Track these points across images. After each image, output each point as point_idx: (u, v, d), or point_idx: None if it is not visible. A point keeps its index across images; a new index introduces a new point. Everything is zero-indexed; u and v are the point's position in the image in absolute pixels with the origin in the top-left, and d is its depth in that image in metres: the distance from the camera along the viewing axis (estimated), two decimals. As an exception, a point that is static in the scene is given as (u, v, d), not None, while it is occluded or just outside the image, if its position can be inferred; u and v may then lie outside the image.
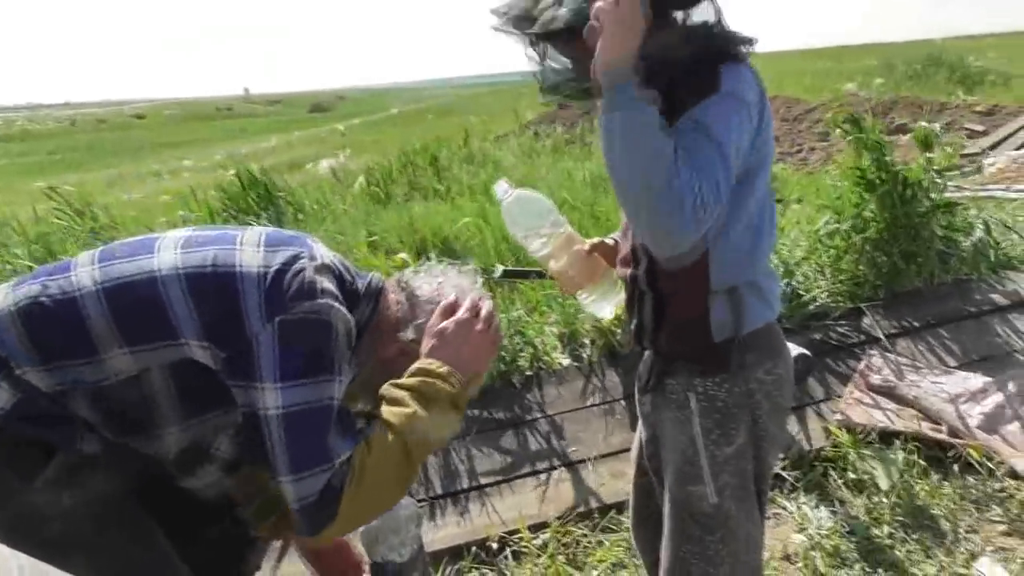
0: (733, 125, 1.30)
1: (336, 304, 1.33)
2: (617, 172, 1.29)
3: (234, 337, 1.29)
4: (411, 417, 1.35)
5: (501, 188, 1.64)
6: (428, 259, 1.84)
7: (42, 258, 5.10)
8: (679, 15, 1.41)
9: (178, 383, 1.34)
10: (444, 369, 1.41)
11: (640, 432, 1.81)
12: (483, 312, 1.50)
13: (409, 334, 1.49)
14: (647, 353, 1.68)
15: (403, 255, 4.24)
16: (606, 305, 1.77)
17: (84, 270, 1.35)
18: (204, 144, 32.70)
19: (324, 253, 1.45)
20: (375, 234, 5.97)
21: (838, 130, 4.30)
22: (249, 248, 1.37)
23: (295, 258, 1.35)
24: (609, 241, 1.80)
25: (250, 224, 1.57)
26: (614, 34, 1.28)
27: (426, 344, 1.46)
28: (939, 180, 4.06)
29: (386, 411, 1.37)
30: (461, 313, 1.47)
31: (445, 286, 1.55)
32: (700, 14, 1.40)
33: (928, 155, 4.00)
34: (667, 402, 1.60)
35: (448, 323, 1.46)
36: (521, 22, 1.43)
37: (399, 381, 1.40)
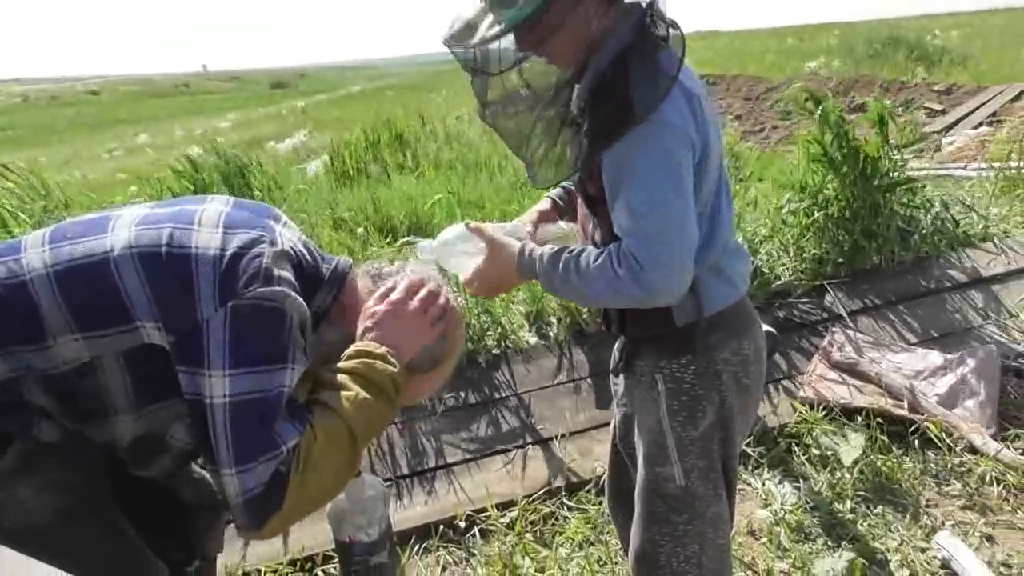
0: (666, 180, 1.30)
1: (291, 292, 1.29)
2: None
3: (185, 319, 1.25)
4: (355, 401, 1.32)
5: (424, 246, 1.65)
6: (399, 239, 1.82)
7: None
8: None
9: (132, 370, 1.30)
10: (381, 350, 1.38)
11: (615, 412, 1.81)
12: (420, 293, 1.47)
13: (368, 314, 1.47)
14: (618, 336, 1.68)
15: (361, 229, 4.18)
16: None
17: (34, 251, 1.29)
18: (160, 121, 32.04)
19: (286, 236, 1.40)
20: (339, 212, 5.88)
21: (801, 108, 4.34)
22: (207, 229, 1.32)
23: (253, 242, 1.30)
24: (546, 204, 1.79)
25: (213, 195, 1.51)
26: (502, 287, 1.58)
27: (361, 325, 1.43)
28: (897, 157, 4.11)
29: (328, 395, 1.34)
30: (395, 295, 1.45)
31: (408, 272, 1.52)
32: None
33: (882, 130, 4.02)
34: (637, 384, 1.61)
35: (381, 305, 1.44)
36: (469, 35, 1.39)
37: (339, 365, 1.37)
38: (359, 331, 1.43)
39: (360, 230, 4.19)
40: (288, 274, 1.32)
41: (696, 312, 1.49)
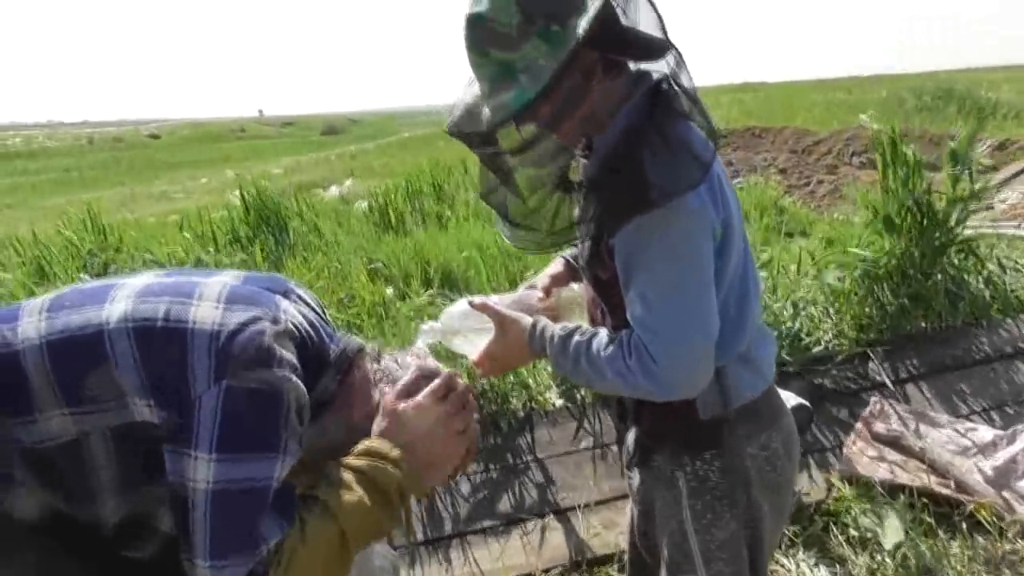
0: (685, 269, 1.22)
1: (291, 375, 1.21)
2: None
3: (175, 396, 1.17)
4: (355, 504, 1.23)
5: (425, 329, 1.57)
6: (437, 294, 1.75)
7: (33, 277, 5.07)
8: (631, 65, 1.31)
9: (119, 449, 1.22)
10: (396, 453, 1.28)
11: (631, 506, 1.69)
12: (455, 395, 1.36)
13: (377, 404, 1.37)
14: (632, 429, 1.57)
15: (389, 290, 4.16)
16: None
17: (31, 320, 1.24)
18: (216, 165, 32.94)
19: (292, 313, 1.32)
20: (375, 261, 5.89)
21: (864, 153, 4.15)
22: (207, 304, 1.25)
23: (254, 320, 1.23)
24: (559, 266, 1.70)
25: (223, 269, 1.44)
26: (512, 364, 1.55)
27: (378, 423, 1.33)
28: (959, 211, 3.86)
29: (327, 493, 1.24)
30: (425, 393, 1.34)
31: (424, 360, 1.43)
32: (657, 65, 1.28)
33: (953, 172, 3.79)
34: (655, 480, 1.49)
35: (408, 403, 1.33)
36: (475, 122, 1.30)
37: (346, 460, 1.28)
38: (375, 427, 1.34)
39: (388, 291, 4.16)
40: (290, 355, 1.24)
41: (722, 404, 1.38)
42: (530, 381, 3.38)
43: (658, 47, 1.22)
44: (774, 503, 1.46)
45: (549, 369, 3.47)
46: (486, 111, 1.24)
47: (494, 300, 1.51)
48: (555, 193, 1.39)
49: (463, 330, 1.53)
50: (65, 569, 1.28)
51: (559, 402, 3.33)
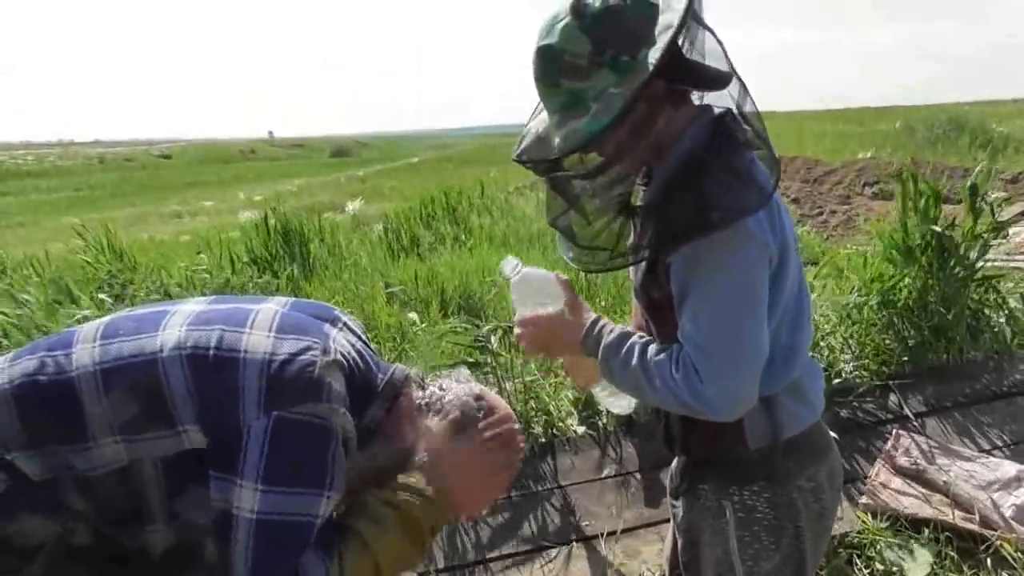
0: (740, 294, 1.24)
1: (340, 408, 1.23)
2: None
3: (226, 423, 1.20)
4: (390, 540, 1.26)
5: (509, 265, 1.52)
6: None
7: (54, 297, 5.09)
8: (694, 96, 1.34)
9: (169, 477, 1.24)
10: (433, 492, 1.32)
11: (672, 535, 1.69)
12: (505, 434, 1.39)
13: (431, 427, 1.40)
14: (678, 456, 1.57)
15: (413, 315, 4.17)
16: (623, 399, 1.62)
17: (85, 347, 1.26)
18: (226, 186, 33.11)
19: (341, 343, 1.34)
20: (392, 285, 5.90)
21: (876, 183, 4.16)
22: (259, 332, 1.27)
23: (306, 350, 1.25)
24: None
25: (272, 296, 1.46)
26: (554, 348, 1.46)
27: (423, 458, 1.36)
28: (979, 245, 3.87)
29: (367, 528, 1.26)
30: (478, 438, 1.38)
31: (468, 390, 1.45)
32: (721, 99, 1.31)
33: (973, 206, 3.79)
34: (701, 509, 1.49)
35: (455, 441, 1.37)
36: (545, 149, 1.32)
37: (385, 495, 1.30)
38: (419, 461, 1.36)
39: (412, 315, 4.17)
40: (339, 386, 1.26)
41: (772, 435, 1.38)
42: (551, 407, 3.38)
43: (723, 77, 1.25)
44: (817, 534, 1.47)
45: (571, 395, 3.47)
46: (556, 139, 1.26)
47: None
48: (619, 218, 1.40)
49: (533, 292, 1.49)
50: None
51: (580, 429, 3.32)
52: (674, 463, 1.60)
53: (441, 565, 2.68)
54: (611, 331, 1.38)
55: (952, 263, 3.79)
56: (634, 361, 1.31)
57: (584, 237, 1.43)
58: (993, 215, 3.80)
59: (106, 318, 1.35)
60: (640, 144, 1.28)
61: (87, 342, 1.27)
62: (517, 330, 1.48)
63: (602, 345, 1.36)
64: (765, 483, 1.41)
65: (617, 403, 1.65)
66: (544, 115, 1.32)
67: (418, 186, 15.90)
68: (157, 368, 1.22)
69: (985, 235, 3.81)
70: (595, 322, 1.40)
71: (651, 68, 1.17)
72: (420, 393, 1.45)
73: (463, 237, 8.17)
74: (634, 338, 1.35)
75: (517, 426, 1.45)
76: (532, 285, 1.50)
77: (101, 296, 5.10)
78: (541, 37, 1.24)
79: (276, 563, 1.17)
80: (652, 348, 1.31)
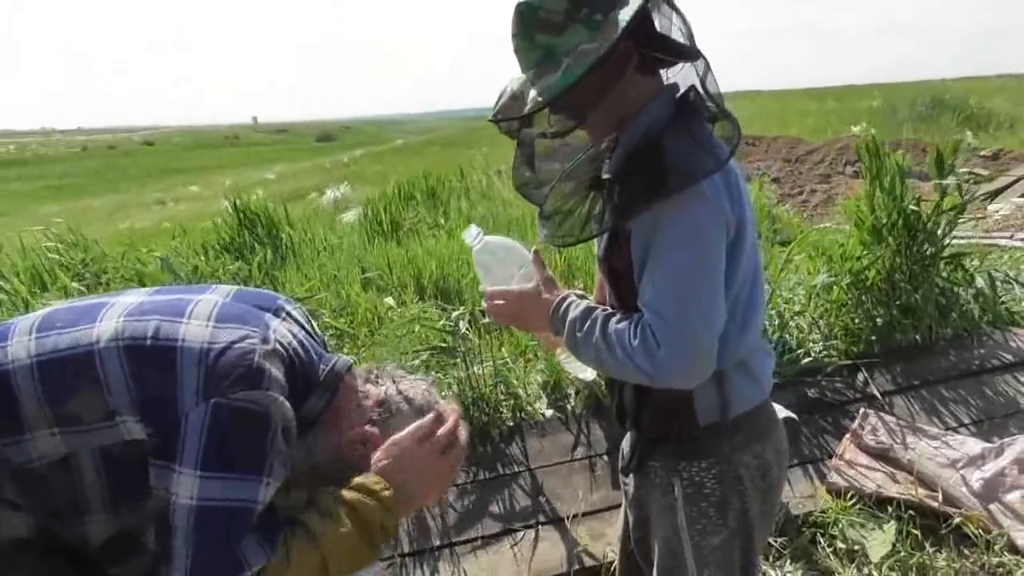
0: (697, 258, 1.26)
1: (278, 396, 1.22)
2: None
3: (163, 412, 1.19)
4: (340, 536, 1.25)
5: (471, 234, 1.53)
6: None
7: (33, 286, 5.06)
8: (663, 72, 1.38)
9: (108, 468, 1.23)
10: (387, 493, 1.31)
11: (624, 512, 1.71)
12: (456, 446, 1.41)
13: (368, 428, 1.39)
14: (629, 432, 1.59)
15: (389, 300, 4.16)
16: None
17: (21, 340, 1.25)
18: (210, 172, 32.93)
19: (282, 332, 1.34)
20: (369, 270, 5.90)
21: (856, 162, 4.15)
22: (196, 322, 1.27)
23: (243, 339, 1.24)
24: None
25: (216, 285, 1.45)
26: (522, 322, 1.53)
27: (379, 458, 1.35)
28: (949, 222, 3.88)
29: (316, 522, 1.25)
30: (431, 442, 1.38)
31: (416, 390, 1.46)
32: (686, 79, 1.36)
33: (939, 182, 3.80)
34: (651, 486, 1.52)
35: (414, 447, 1.36)
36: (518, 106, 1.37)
37: (338, 492, 1.30)
38: (374, 461, 1.35)
39: (388, 300, 4.17)
40: (279, 374, 1.25)
41: (721, 412, 1.41)
42: (520, 391, 3.38)
43: (687, 51, 1.31)
44: (763, 511, 1.49)
45: (539, 379, 3.48)
46: (532, 94, 1.29)
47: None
48: (590, 192, 1.44)
49: (501, 263, 1.52)
50: None
51: (549, 412, 3.33)
52: (625, 440, 1.62)
53: (407, 549, 2.68)
54: (576, 306, 1.40)
55: (920, 240, 3.79)
56: (596, 333, 1.33)
57: (553, 208, 1.48)
58: (960, 191, 3.80)
59: (43, 310, 1.34)
60: (607, 104, 1.32)
61: (23, 335, 1.26)
62: (486, 302, 1.52)
63: (567, 320, 1.39)
64: (713, 460, 1.43)
65: (582, 370, 1.67)
66: (519, 76, 1.36)
67: (402, 170, 15.83)
68: (94, 359, 1.21)
69: (953, 211, 3.82)
70: (563, 299, 1.43)
71: (622, 25, 1.21)
72: (371, 388, 1.44)
73: (441, 221, 8.15)
74: (597, 311, 1.37)
75: (462, 427, 1.45)
76: (496, 254, 1.52)
77: (74, 284, 5.06)
78: None
79: (217, 549, 1.16)
80: (614, 319, 1.34)
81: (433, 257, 6.03)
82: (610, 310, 1.38)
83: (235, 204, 7.32)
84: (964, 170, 4.18)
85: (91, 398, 1.20)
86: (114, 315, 1.28)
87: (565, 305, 1.42)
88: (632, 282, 1.33)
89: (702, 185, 1.24)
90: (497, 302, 1.49)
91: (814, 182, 11.58)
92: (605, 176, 1.38)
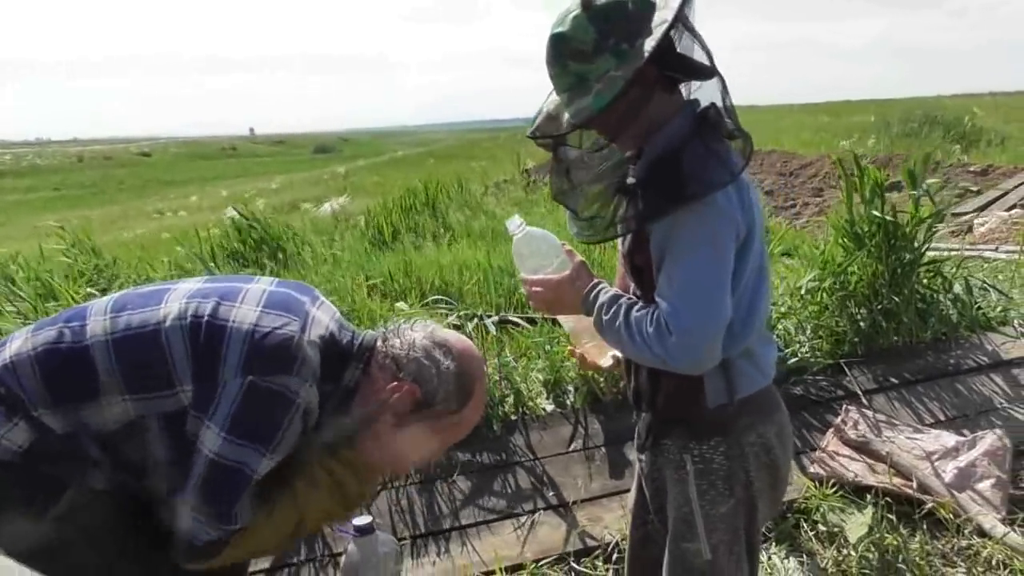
0: (708, 260, 1.41)
1: (306, 382, 1.43)
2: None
3: (208, 377, 1.41)
4: (319, 499, 1.52)
5: (514, 223, 1.69)
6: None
7: (43, 295, 5.17)
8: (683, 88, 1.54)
9: (170, 431, 1.44)
10: (373, 468, 1.60)
11: (638, 486, 1.89)
12: (457, 432, 1.66)
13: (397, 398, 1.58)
14: (644, 413, 1.75)
15: (402, 304, 4.33)
16: (607, 351, 1.80)
17: (98, 319, 1.46)
18: (207, 183, 33.02)
19: (319, 317, 1.54)
20: (373, 278, 6.05)
21: (839, 175, 4.36)
22: (247, 306, 1.48)
23: (284, 325, 1.45)
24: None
25: (260, 276, 1.69)
26: (557, 307, 1.66)
27: (376, 432, 1.58)
28: (922, 232, 4.10)
29: (302, 487, 1.51)
30: (437, 424, 1.61)
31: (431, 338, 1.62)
32: (706, 95, 1.52)
33: (915, 192, 4.03)
34: (665, 462, 1.68)
35: (407, 429, 1.59)
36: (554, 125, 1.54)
37: (328, 463, 1.54)
38: (374, 424, 1.58)
39: (401, 304, 4.35)
40: (313, 359, 1.46)
41: (728, 396, 1.57)
42: (522, 387, 3.57)
43: (706, 70, 1.47)
44: (769, 485, 1.66)
45: (540, 377, 3.67)
46: (566, 116, 1.48)
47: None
48: (615, 196, 1.58)
49: (537, 253, 1.68)
50: (123, 530, 1.50)
51: (549, 407, 3.52)
52: (640, 421, 1.78)
53: (422, 530, 2.88)
54: (606, 292, 1.58)
55: (899, 247, 4.01)
56: (620, 319, 1.50)
57: (585, 210, 1.63)
58: (932, 200, 4.03)
59: (115, 294, 1.56)
60: (635, 122, 1.49)
61: (98, 315, 1.48)
62: (526, 288, 1.69)
63: (596, 304, 1.56)
64: (720, 438, 1.61)
65: (601, 356, 1.83)
66: (554, 98, 1.54)
67: (399, 182, 15.98)
68: (160, 336, 1.43)
69: (929, 219, 4.04)
70: (595, 285, 1.60)
71: (647, 54, 1.38)
72: (384, 348, 1.61)
73: (440, 231, 8.32)
74: (623, 299, 1.54)
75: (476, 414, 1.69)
76: (533, 243, 1.69)
77: (89, 290, 5.21)
78: (554, 27, 1.46)
79: (220, 503, 1.42)
80: (635, 308, 1.50)
81: (433, 265, 6.20)
82: (634, 299, 1.55)
83: (240, 212, 7.49)
84: (934, 180, 4.40)
85: (157, 369, 1.42)
86: (177, 298, 1.50)
87: (596, 291, 1.59)
88: (651, 278, 1.51)
89: (716, 194, 1.41)
90: (536, 289, 1.66)
91: (807, 195, 11.80)
92: (630, 181, 1.54)
